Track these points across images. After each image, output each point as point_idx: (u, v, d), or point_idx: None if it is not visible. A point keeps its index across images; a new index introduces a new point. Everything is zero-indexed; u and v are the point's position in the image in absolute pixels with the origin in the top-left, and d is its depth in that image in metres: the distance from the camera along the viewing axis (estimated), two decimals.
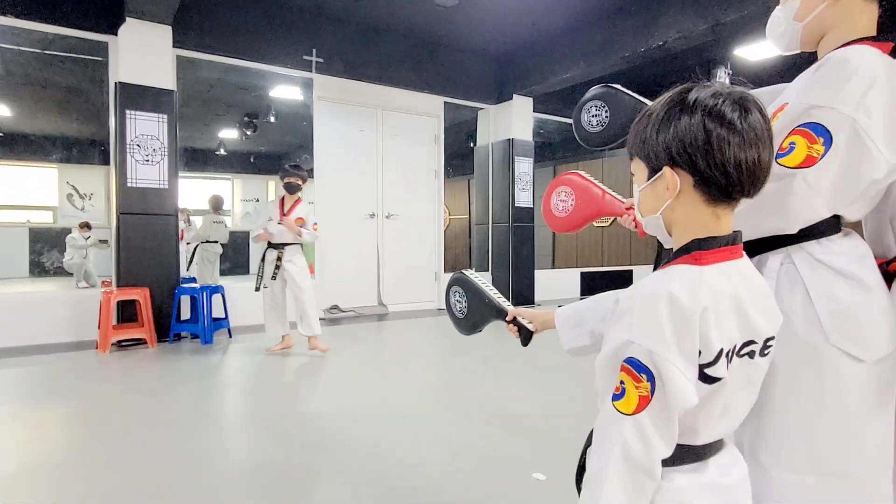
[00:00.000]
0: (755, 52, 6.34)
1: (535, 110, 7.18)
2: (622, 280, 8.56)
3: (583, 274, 8.12)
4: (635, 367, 0.72)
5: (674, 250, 0.82)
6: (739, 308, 0.76)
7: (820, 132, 0.98)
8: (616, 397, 0.74)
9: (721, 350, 0.73)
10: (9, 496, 1.89)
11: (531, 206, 7.16)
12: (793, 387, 1.01)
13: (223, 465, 2.15)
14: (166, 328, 4.56)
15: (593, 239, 10.74)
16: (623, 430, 0.72)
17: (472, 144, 7.89)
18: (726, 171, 0.74)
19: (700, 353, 0.72)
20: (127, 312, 4.50)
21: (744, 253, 0.83)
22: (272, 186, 12.99)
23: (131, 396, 3.11)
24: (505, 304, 1.31)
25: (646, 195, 0.84)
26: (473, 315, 1.41)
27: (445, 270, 7.00)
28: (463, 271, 1.46)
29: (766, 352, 0.82)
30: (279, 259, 4.07)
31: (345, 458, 2.21)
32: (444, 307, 1.50)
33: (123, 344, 4.36)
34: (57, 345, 4.38)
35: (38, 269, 10.50)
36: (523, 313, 1.27)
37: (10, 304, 4.48)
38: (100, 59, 4.84)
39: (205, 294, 4.55)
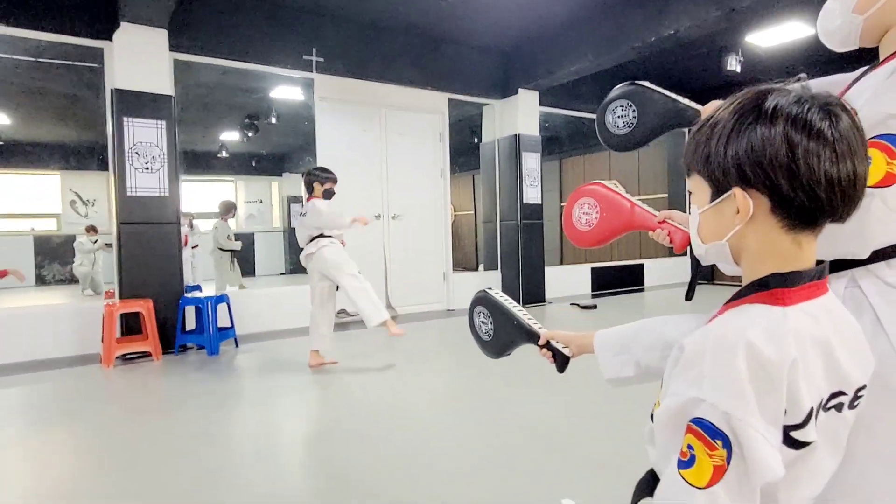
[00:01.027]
0: (767, 38, 6.15)
1: (540, 104, 7.01)
2: (634, 275, 8.41)
3: (593, 269, 7.97)
4: (708, 432, 0.59)
5: (744, 283, 0.70)
6: (829, 355, 0.64)
7: None
8: (683, 464, 0.61)
9: (811, 409, 0.61)
10: None
11: (540, 202, 7.02)
12: (865, 427, 0.89)
13: (233, 496, 2.04)
14: (171, 339, 4.46)
15: None
16: None
17: (476, 140, 7.75)
18: (814, 193, 0.62)
19: (785, 412, 0.60)
20: (131, 324, 4.41)
21: (829, 287, 0.71)
22: (275, 187, 12.89)
23: (136, 418, 3.01)
24: (536, 326, 1.20)
25: (708, 219, 0.72)
26: (501, 338, 1.30)
27: (454, 270, 6.88)
28: (487, 290, 1.34)
29: (855, 403, 0.69)
30: None
31: (358, 479, 2.10)
32: (469, 328, 1.38)
33: (128, 357, 4.27)
34: (60, 359, 4.29)
35: (44, 277, 10.47)
36: (558, 336, 1.15)
37: (11, 318, 4.39)
38: (95, 65, 4.73)
39: (210, 304, 4.45)
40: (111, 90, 4.45)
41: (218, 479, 2.18)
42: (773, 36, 6.09)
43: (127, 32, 4.39)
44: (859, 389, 0.69)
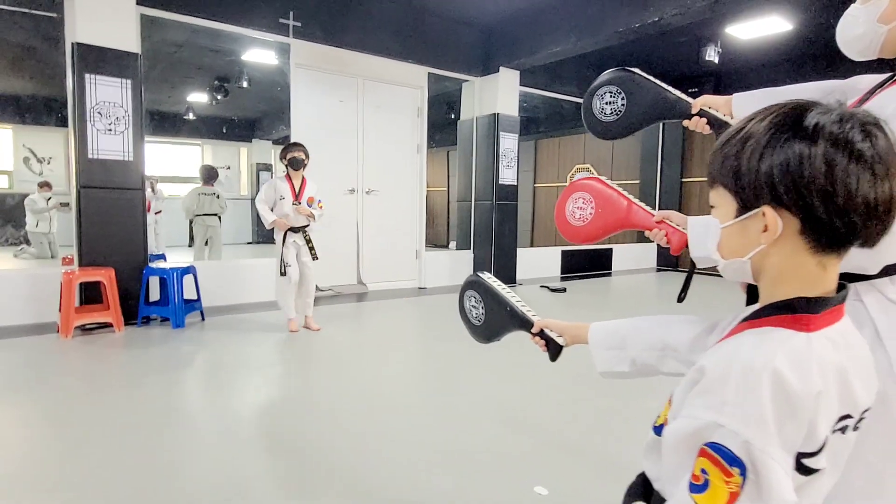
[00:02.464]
0: (747, 30, 6.20)
1: (520, 83, 6.93)
2: (602, 260, 8.54)
3: (563, 252, 8.05)
4: (725, 458, 0.59)
5: (763, 301, 0.69)
6: (844, 381, 0.64)
7: None
8: (696, 488, 0.61)
9: (826, 438, 0.61)
10: None
11: (515, 183, 7.00)
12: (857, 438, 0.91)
13: (192, 479, 1.99)
14: (134, 310, 4.30)
15: None
16: None
17: (453, 115, 7.64)
18: (849, 218, 0.60)
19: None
20: (91, 293, 4.23)
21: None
22: (244, 154, 12.50)
23: (96, 391, 2.90)
24: (530, 313, 1.18)
25: (731, 235, 0.69)
26: (492, 323, 1.29)
27: (426, 248, 6.84)
28: (479, 274, 1.32)
29: (859, 425, 0.70)
30: (309, 242, 4.15)
31: (323, 466, 2.08)
32: (459, 311, 1.36)
33: (87, 328, 4.10)
34: (12, 328, 4.09)
35: None
36: (551, 325, 1.13)
37: None
38: (53, 15, 4.41)
39: (175, 275, 4.30)
40: (72, 44, 4.16)
41: (177, 460, 2.12)
42: (754, 29, 6.14)
43: None
44: (864, 411, 0.69)
